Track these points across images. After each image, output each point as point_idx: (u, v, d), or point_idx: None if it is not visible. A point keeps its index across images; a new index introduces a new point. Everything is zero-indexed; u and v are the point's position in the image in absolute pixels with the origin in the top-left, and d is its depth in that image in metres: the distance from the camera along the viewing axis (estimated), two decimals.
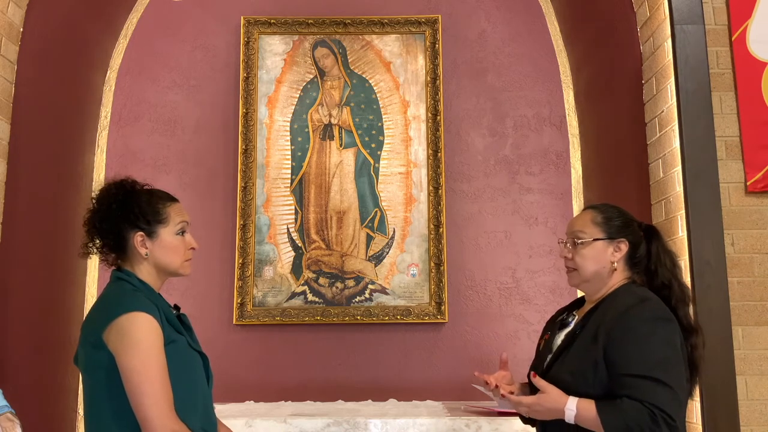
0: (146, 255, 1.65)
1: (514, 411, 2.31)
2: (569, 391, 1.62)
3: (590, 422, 1.56)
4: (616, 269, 1.74)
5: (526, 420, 1.94)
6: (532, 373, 1.65)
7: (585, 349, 1.64)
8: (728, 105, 2.49)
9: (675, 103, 2.51)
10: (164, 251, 1.66)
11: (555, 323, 1.85)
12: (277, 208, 3.43)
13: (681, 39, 2.50)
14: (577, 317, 1.80)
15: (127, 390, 1.49)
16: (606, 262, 1.74)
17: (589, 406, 1.56)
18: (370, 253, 3.39)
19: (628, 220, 1.79)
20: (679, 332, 1.64)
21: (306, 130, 3.50)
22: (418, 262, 3.38)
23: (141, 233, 1.64)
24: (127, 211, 1.64)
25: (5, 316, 2.65)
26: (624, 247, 1.75)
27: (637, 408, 1.52)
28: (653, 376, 1.54)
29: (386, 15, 3.59)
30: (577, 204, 3.46)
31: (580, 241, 1.75)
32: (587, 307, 1.78)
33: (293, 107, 3.52)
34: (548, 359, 1.75)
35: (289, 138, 3.49)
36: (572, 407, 1.56)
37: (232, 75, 3.58)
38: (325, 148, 3.49)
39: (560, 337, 1.78)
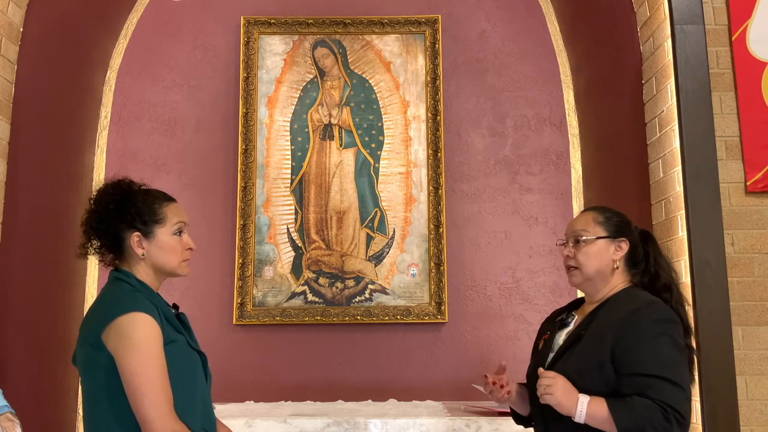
0: (143, 255, 1.65)
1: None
2: (578, 386, 1.63)
3: (600, 417, 1.56)
4: (617, 268, 1.76)
5: (519, 420, 1.95)
6: (540, 369, 1.66)
7: (591, 349, 1.65)
8: (728, 105, 2.49)
9: (675, 103, 2.51)
10: (161, 251, 1.66)
11: (554, 323, 1.86)
12: (277, 208, 3.43)
13: (681, 39, 2.50)
14: (577, 317, 1.81)
15: (127, 391, 1.49)
16: (608, 260, 1.76)
17: (600, 402, 1.57)
18: (370, 253, 3.39)
19: (627, 221, 1.83)
20: (683, 334, 1.67)
21: (306, 130, 3.50)
22: (418, 262, 3.38)
23: (137, 233, 1.64)
24: (124, 211, 1.64)
25: (5, 316, 2.65)
26: (625, 246, 1.78)
27: (648, 406, 1.54)
28: (664, 376, 1.56)
29: (386, 15, 3.59)
30: (577, 204, 3.46)
31: (583, 239, 1.77)
32: (588, 307, 1.80)
33: (293, 107, 3.52)
34: (550, 358, 1.76)
35: (289, 138, 3.49)
36: (584, 401, 1.57)
37: (232, 75, 3.58)
38: (325, 148, 3.49)
39: (561, 337, 1.79)
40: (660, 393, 1.55)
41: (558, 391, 1.59)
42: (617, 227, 1.78)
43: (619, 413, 1.55)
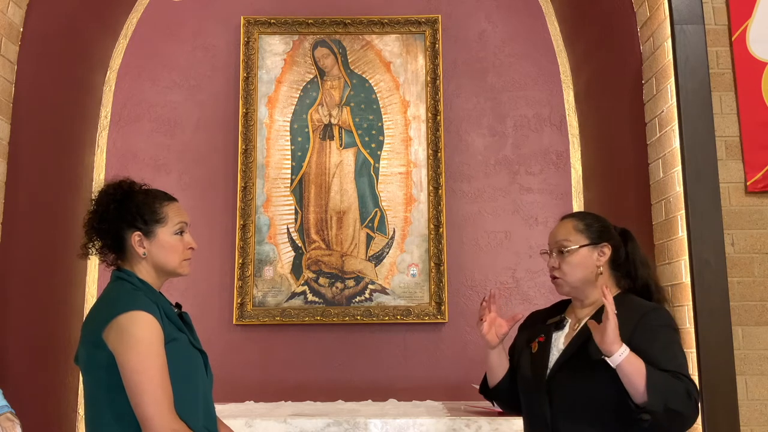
0: (144, 255, 1.65)
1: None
2: (590, 389, 1.65)
3: (635, 366, 1.55)
4: (601, 273, 1.78)
5: (487, 392, 1.96)
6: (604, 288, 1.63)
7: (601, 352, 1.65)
8: (728, 105, 2.49)
9: (675, 103, 2.51)
10: (162, 251, 1.66)
11: (547, 326, 1.85)
12: (277, 208, 3.43)
13: (681, 39, 2.50)
14: (571, 320, 1.81)
15: (127, 389, 1.49)
16: (592, 267, 1.78)
17: (638, 359, 1.57)
18: (370, 253, 3.39)
19: (607, 225, 1.85)
20: None
21: (306, 130, 3.50)
22: (418, 262, 3.38)
23: (138, 233, 1.65)
24: (125, 211, 1.65)
25: (5, 316, 2.65)
26: (607, 251, 1.80)
27: (677, 383, 1.57)
28: (683, 373, 1.61)
29: (386, 15, 3.59)
30: (577, 204, 3.46)
31: (566, 249, 1.78)
32: (583, 311, 1.81)
33: (293, 107, 3.52)
34: (553, 360, 1.75)
35: (289, 138, 3.49)
36: (626, 350, 1.56)
37: (232, 75, 3.58)
38: (325, 148, 3.49)
39: (560, 340, 1.79)
40: (682, 381, 1.59)
41: (613, 323, 1.56)
42: (598, 233, 1.80)
43: (654, 372, 1.55)
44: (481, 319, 1.86)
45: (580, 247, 1.78)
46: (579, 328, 1.77)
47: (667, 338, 1.65)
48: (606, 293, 1.60)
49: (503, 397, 1.92)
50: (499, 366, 1.90)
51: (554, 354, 1.77)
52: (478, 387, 2.84)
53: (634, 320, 1.66)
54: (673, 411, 1.53)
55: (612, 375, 1.60)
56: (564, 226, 1.84)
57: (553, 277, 1.82)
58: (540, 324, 1.89)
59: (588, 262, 1.77)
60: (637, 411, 1.54)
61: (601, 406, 1.64)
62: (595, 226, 1.81)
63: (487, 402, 2.82)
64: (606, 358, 1.56)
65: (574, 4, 3.44)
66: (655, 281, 1.83)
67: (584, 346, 1.69)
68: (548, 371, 1.74)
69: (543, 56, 3.61)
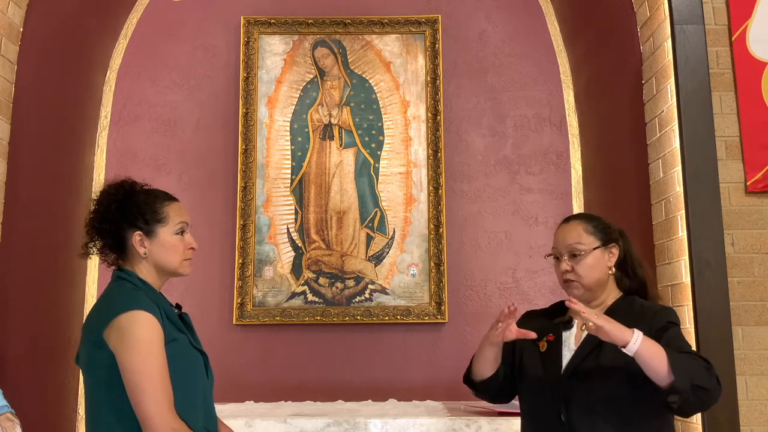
0: (145, 254, 1.65)
1: (514, 411, 2.32)
2: (609, 387, 1.66)
3: (654, 350, 1.55)
4: (612, 273, 1.80)
5: (471, 382, 1.93)
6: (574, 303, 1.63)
7: (619, 350, 1.65)
8: (728, 105, 2.49)
9: (675, 103, 2.51)
10: (163, 251, 1.66)
11: (556, 325, 1.84)
12: (277, 208, 3.43)
13: (681, 39, 2.50)
14: (577, 321, 1.81)
15: (127, 388, 1.49)
16: (605, 268, 1.80)
17: (655, 343, 1.58)
18: (370, 253, 3.39)
19: (611, 226, 1.86)
20: None
21: (306, 130, 3.50)
22: (418, 262, 3.38)
23: (139, 233, 1.65)
24: (126, 210, 1.66)
25: (5, 316, 2.65)
26: (616, 251, 1.82)
27: (696, 360, 1.59)
28: (697, 354, 1.64)
29: (386, 15, 3.59)
30: (577, 204, 3.46)
31: (581, 252, 1.78)
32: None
33: (293, 107, 3.52)
34: (567, 358, 1.75)
35: (289, 138, 3.49)
36: (639, 332, 1.56)
37: (232, 75, 3.58)
38: (325, 148, 3.49)
39: (570, 339, 1.78)
40: (698, 359, 1.61)
41: (604, 320, 1.57)
42: (606, 234, 1.82)
43: (673, 353, 1.56)
44: (498, 321, 1.83)
45: (594, 249, 1.79)
46: (582, 329, 1.77)
47: (677, 332, 1.68)
48: (572, 302, 1.62)
49: (488, 390, 1.91)
50: (494, 362, 1.89)
51: (566, 353, 1.76)
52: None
53: (647, 320, 1.69)
54: (700, 387, 1.54)
55: (630, 371, 1.61)
56: (574, 229, 1.83)
57: (567, 280, 1.81)
58: (543, 323, 1.87)
59: (601, 264, 1.79)
60: (665, 393, 1.54)
61: (620, 403, 1.65)
62: (602, 227, 1.83)
63: (487, 402, 2.82)
64: (623, 349, 1.56)
65: (574, 4, 3.44)
66: (649, 280, 1.84)
67: (601, 344, 1.69)
68: (562, 370, 1.73)
69: (543, 56, 3.61)
